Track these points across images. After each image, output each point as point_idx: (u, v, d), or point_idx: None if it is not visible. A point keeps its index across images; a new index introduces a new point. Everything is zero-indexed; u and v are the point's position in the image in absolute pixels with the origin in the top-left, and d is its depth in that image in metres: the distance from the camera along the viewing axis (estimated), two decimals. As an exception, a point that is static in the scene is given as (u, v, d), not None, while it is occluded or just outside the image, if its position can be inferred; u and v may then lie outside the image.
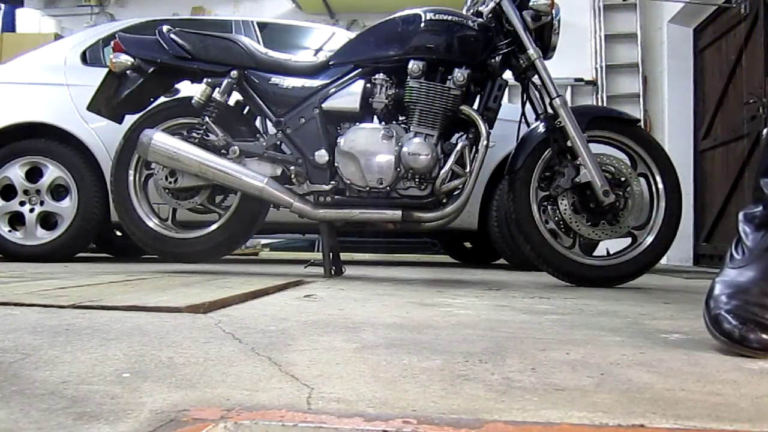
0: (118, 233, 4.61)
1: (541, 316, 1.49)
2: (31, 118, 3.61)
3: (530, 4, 2.51)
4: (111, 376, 0.79)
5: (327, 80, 2.64)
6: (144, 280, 2.14)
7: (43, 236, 3.51)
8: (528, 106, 2.63)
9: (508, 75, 2.62)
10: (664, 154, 2.62)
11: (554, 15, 2.55)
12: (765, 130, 4.05)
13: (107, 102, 2.80)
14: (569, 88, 6.39)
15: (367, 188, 2.54)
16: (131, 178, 2.82)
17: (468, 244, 5.17)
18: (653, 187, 2.59)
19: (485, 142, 2.47)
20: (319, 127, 2.60)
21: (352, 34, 3.28)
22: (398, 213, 2.50)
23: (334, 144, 2.57)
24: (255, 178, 2.59)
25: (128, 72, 2.75)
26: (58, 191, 3.59)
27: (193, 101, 2.71)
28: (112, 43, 2.87)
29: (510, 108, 3.14)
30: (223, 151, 2.68)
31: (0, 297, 1.46)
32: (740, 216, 1.16)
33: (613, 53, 6.56)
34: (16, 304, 1.37)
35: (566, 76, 6.21)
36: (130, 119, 2.88)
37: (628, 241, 2.60)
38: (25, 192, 3.54)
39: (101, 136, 3.51)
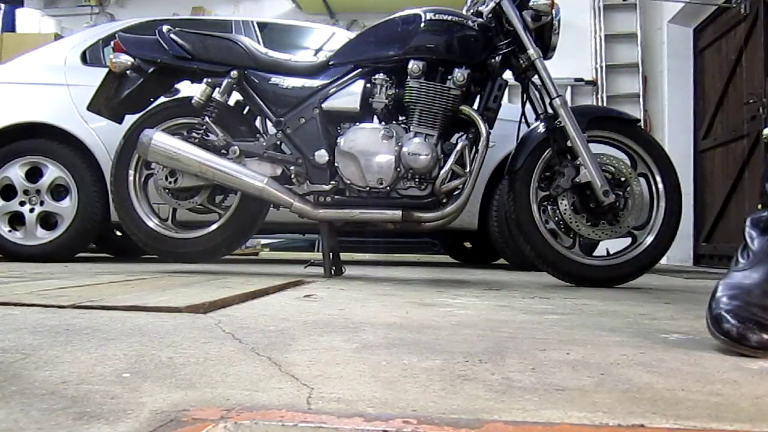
0: (118, 233, 4.61)
1: (541, 316, 1.49)
2: (31, 118, 3.61)
3: (530, 4, 2.51)
4: (111, 376, 0.79)
5: (327, 80, 2.64)
6: (144, 280, 2.14)
7: (43, 236, 3.51)
8: (528, 106, 2.63)
9: (508, 75, 2.62)
10: (664, 154, 2.62)
11: (554, 15, 2.55)
12: (766, 131, 4.04)
13: (107, 102, 2.80)
14: (569, 88, 6.39)
15: (367, 188, 2.54)
16: (131, 178, 2.82)
17: (468, 244, 5.17)
18: (653, 187, 2.59)
19: (485, 142, 2.47)
20: (319, 127, 2.60)
21: (352, 34, 3.28)
22: (398, 213, 2.50)
23: (334, 144, 2.57)
24: (255, 178, 2.59)
25: (128, 72, 2.75)
26: (58, 191, 3.59)
27: (193, 101, 2.71)
28: (112, 43, 2.87)
29: (510, 108, 3.14)
30: (223, 151, 2.68)
31: (0, 297, 1.46)
32: (747, 221, 1.16)
33: (613, 53, 6.56)
34: (16, 304, 1.37)
35: (566, 76, 6.21)
36: (130, 119, 2.88)
37: (628, 241, 2.60)
38: (25, 192, 3.54)
39: (101, 136, 3.52)
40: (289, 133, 2.63)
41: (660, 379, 0.84)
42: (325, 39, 4.09)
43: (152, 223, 2.81)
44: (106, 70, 2.81)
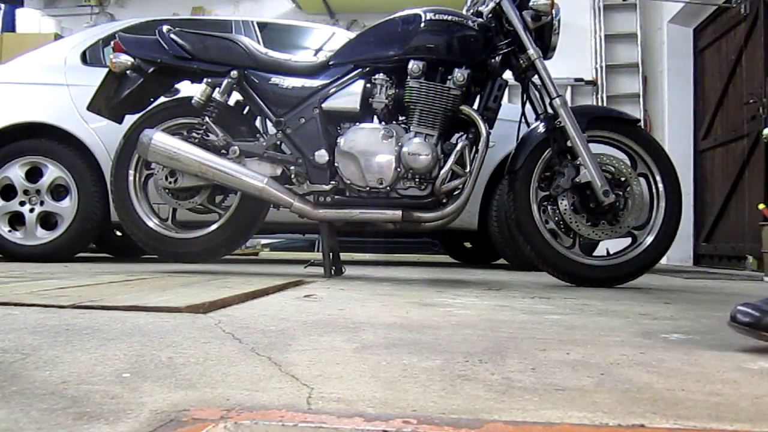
0: (118, 233, 4.61)
1: (541, 316, 1.49)
2: (31, 118, 3.61)
3: (530, 4, 2.51)
4: (111, 376, 0.79)
5: (327, 80, 2.64)
6: (144, 280, 2.14)
7: (43, 236, 3.51)
8: (528, 106, 2.63)
9: (508, 75, 2.62)
10: (664, 154, 2.62)
11: (554, 15, 2.55)
12: (766, 131, 4.03)
13: (107, 102, 2.80)
14: (569, 88, 6.39)
15: (367, 188, 2.54)
16: (131, 178, 2.82)
17: (468, 244, 5.17)
18: (653, 187, 2.59)
19: (485, 142, 2.47)
20: (319, 127, 2.60)
21: (352, 34, 3.28)
22: (398, 213, 2.50)
23: (334, 144, 2.57)
24: (255, 178, 2.59)
25: (128, 72, 2.75)
26: (58, 191, 3.58)
27: (193, 101, 2.71)
28: (112, 43, 2.87)
29: (510, 108, 3.14)
30: (223, 151, 2.68)
31: (0, 297, 1.46)
32: None
33: (613, 53, 6.56)
34: (16, 304, 1.37)
35: (566, 76, 6.21)
36: (130, 119, 2.88)
37: (628, 241, 2.60)
38: (25, 192, 3.54)
39: (101, 136, 3.51)
40: (289, 133, 2.63)
41: (660, 379, 0.84)
42: (325, 39, 4.09)
43: (152, 223, 2.81)
44: (106, 70, 2.80)
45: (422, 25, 2.52)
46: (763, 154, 4.62)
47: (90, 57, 3.87)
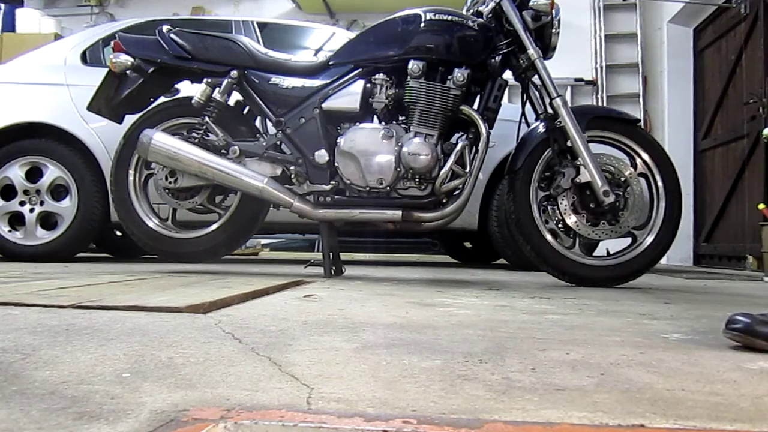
0: (118, 233, 4.61)
1: (541, 316, 1.49)
2: (31, 118, 3.61)
3: (530, 4, 2.51)
4: (111, 376, 0.79)
5: (327, 80, 2.64)
6: (144, 280, 2.14)
7: (43, 236, 3.51)
8: (528, 106, 2.63)
9: (508, 75, 2.62)
10: (664, 155, 2.62)
11: (554, 15, 2.55)
12: (766, 131, 4.03)
13: (107, 102, 2.80)
14: (569, 88, 6.39)
15: (367, 188, 2.54)
16: (131, 178, 2.82)
17: (468, 244, 5.17)
18: (653, 187, 2.59)
19: (485, 142, 2.47)
20: (319, 127, 2.60)
21: (352, 34, 3.28)
22: (398, 213, 2.50)
23: (334, 144, 2.57)
24: (255, 178, 2.59)
25: (128, 72, 2.75)
26: (58, 191, 3.58)
27: (193, 101, 2.71)
28: (112, 43, 2.87)
29: (510, 108, 3.14)
30: (223, 151, 2.68)
31: (0, 297, 1.46)
32: None
33: (613, 53, 6.56)
34: (16, 304, 1.37)
35: (566, 76, 6.21)
36: (130, 119, 2.88)
37: (628, 241, 2.60)
38: (25, 192, 3.54)
39: (101, 136, 3.51)
40: (289, 133, 2.63)
41: (660, 379, 0.84)
42: (325, 39, 4.09)
43: (152, 223, 2.81)
44: (106, 70, 2.80)
45: (422, 25, 2.52)
46: (763, 154, 4.62)
47: (90, 57, 3.87)
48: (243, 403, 0.69)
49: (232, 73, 2.68)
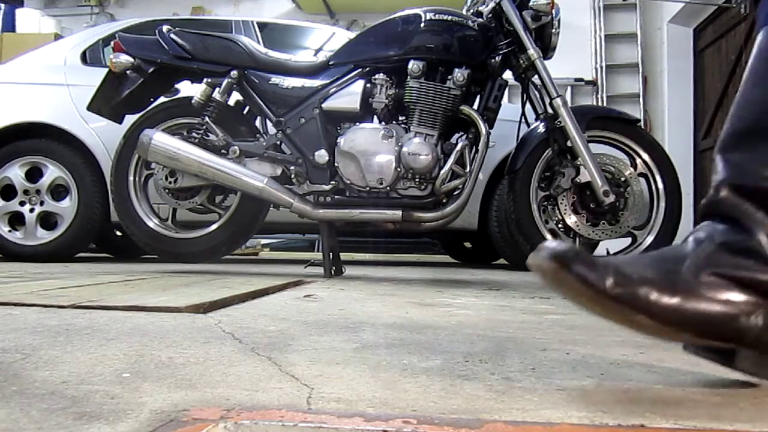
0: (118, 233, 4.61)
1: (541, 316, 1.49)
2: (31, 118, 3.61)
3: (530, 4, 2.51)
4: (111, 376, 0.79)
5: (327, 80, 2.64)
6: (144, 280, 2.14)
7: (43, 236, 3.52)
8: (528, 106, 2.63)
9: (508, 75, 2.62)
10: (664, 154, 2.62)
11: (554, 15, 2.55)
12: None
13: (107, 102, 2.81)
14: (569, 88, 6.40)
15: (367, 188, 2.54)
16: (131, 178, 2.82)
17: (468, 244, 5.17)
18: (653, 187, 2.59)
19: (485, 142, 2.47)
20: (319, 127, 2.60)
21: (352, 34, 3.28)
22: (398, 213, 2.50)
23: (334, 144, 2.57)
24: (255, 178, 2.59)
25: (128, 72, 2.75)
26: (58, 191, 3.59)
27: (193, 101, 2.71)
28: (112, 43, 2.87)
29: (510, 108, 3.14)
30: (223, 151, 2.68)
31: (0, 297, 1.46)
32: None
33: (613, 53, 6.56)
34: (16, 304, 1.37)
35: (566, 76, 6.22)
36: (130, 119, 2.88)
37: (628, 241, 2.60)
38: (25, 192, 3.54)
39: (101, 136, 3.52)
40: (289, 133, 2.63)
41: (660, 379, 0.84)
42: (325, 39, 4.10)
43: (152, 223, 2.81)
44: (106, 70, 2.81)
45: (422, 25, 2.53)
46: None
47: (90, 57, 3.88)
48: (243, 403, 0.69)
49: (232, 73, 2.68)
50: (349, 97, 2.59)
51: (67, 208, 3.52)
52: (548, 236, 2.55)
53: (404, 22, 2.57)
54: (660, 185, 2.57)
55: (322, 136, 2.60)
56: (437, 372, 0.86)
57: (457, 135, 2.60)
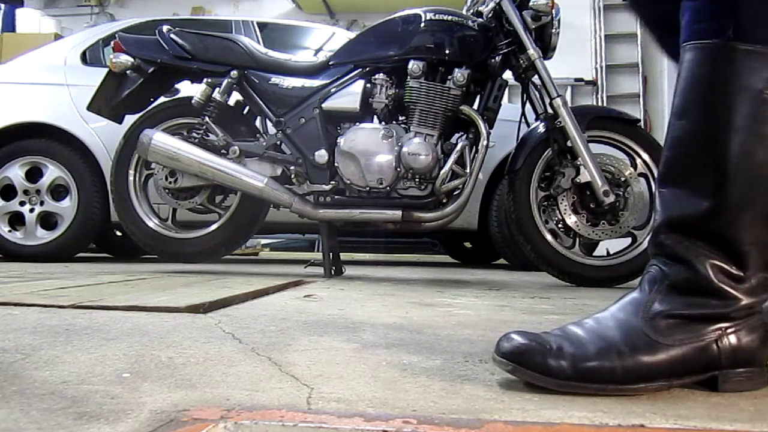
0: (118, 233, 4.61)
1: (541, 316, 1.49)
2: (31, 118, 3.61)
3: (530, 4, 2.51)
4: (111, 376, 0.79)
5: (327, 80, 2.64)
6: (144, 280, 2.14)
7: (43, 236, 3.51)
8: (528, 106, 2.63)
9: (508, 75, 2.61)
10: (664, 154, 2.62)
11: (554, 15, 2.55)
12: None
13: (107, 102, 2.80)
14: (569, 88, 6.39)
15: (367, 188, 2.54)
16: (131, 178, 2.82)
17: (468, 244, 5.17)
18: (653, 187, 2.58)
19: (485, 142, 2.47)
20: (319, 127, 2.60)
21: (352, 34, 3.28)
22: (398, 213, 2.50)
23: (334, 144, 2.57)
24: (255, 178, 2.59)
25: (128, 72, 2.75)
26: (58, 191, 3.58)
27: (193, 101, 2.71)
28: (112, 43, 2.87)
29: (510, 108, 3.14)
30: (223, 151, 2.68)
31: (0, 297, 1.46)
32: None
33: (613, 53, 6.56)
34: (16, 304, 1.37)
35: (566, 76, 6.21)
36: (130, 119, 2.88)
37: (628, 241, 2.60)
38: (25, 192, 3.54)
39: (101, 136, 3.51)
40: (289, 133, 2.63)
41: (660, 379, 0.84)
42: (325, 39, 4.09)
43: (152, 223, 2.81)
44: (106, 70, 2.81)
45: (422, 25, 2.52)
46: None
47: (90, 57, 3.87)
48: (243, 403, 0.69)
49: (232, 73, 2.68)
50: (349, 97, 2.59)
51: (67, 208, 3.52)
52: (548, 236, 2.55)
53: (404, 22, 2.57)
54: (660, 185, 2.57)
55: (322, 136, 2.60)
56: (437, 372, 0.86)
57: (457, 135, 2.60)
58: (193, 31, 2.82)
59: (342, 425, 0.62)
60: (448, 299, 1.84)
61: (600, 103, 6.31)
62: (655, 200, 0.85)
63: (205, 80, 2.72)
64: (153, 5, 7.36)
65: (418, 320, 1.35)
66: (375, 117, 2.61)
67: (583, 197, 2.51)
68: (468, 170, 2.49)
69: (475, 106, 2.56)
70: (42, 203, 3.53)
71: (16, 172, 3.54)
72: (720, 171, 0.77)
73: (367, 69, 2.60)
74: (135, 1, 8.16)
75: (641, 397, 0.75)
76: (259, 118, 2.83)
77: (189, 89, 2.86)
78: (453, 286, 2.36)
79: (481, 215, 3.67)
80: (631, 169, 2.57)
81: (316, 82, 2.65)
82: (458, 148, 2.48)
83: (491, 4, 2.55)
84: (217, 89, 2.70)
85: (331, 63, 2.68)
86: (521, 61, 2.54)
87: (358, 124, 2.59)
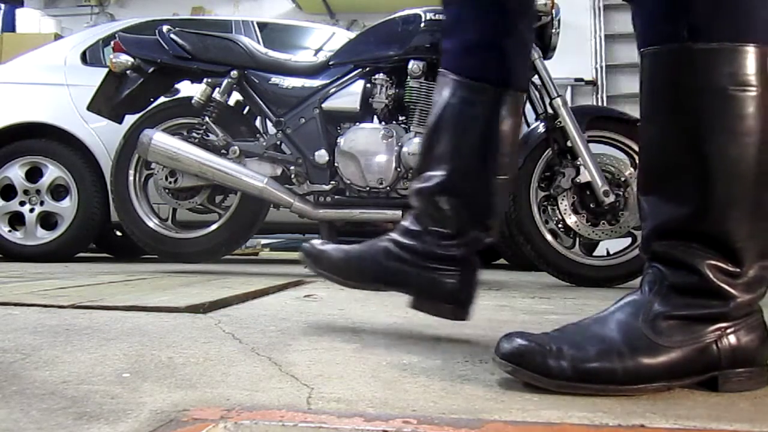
0: (118, 233, 4.60)
1: (541, 316, 1.49)
2: (31, 118, 3.61)
3: (530, 4, 2.50)
4: (111, 376, 0.79)
5: (327, 80, 2.64)
6: (144, 280, 2.14)
7: (43, 236, 3.51)
8: (528, 106, 2.63)
9: (508, 75, 2.61)
10: (664, 154, 2.62)
11: (554, 15, 2.55)
12: None
13: (107, 102, 2.80)
14: (569, 88, 6.39)
15: (367, 188, 2.54)
16: (131, 178, 2.82)
17: (468, 244, 5.16)
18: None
19: (485, 142, 2.47)
20: (319, 127, 2.61)
21: (352, 34, 3.28)
22: (398, 213, 2.50)
23: (334, 144, 2.57)
24: (255, 178, 2.59)
25: (128, 72, 2.75)
26: (58, 191, 3.58)
27: (193, 101, 2.71)
28: (112, 43, 2.87)
29: (510, 108, 3.13)
30: (223, 151, 2.68)
31: (0, 297, 1.46)
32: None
33: (613, 53, 6.56)
34: (16, 304, 1.37)
35: (566, 76, 6.20)
36: (130, 119, 2.88)
37: (628, 241, 2.60)
38: (25, 192, 3.54)
39: (101, 136, 3.51)
40: (289, 133, 2.63)
41: (660, 379, 0.84)
42: (325, 39, 4.09)
43: (152, 223, 2.81)
44: (106, 70, 2.81)
45: (422, 25, 2.52)
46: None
47: (90, 57, 3.87)
48: (243, 403, 0.69)
49: (232, 73, 2.68)
50: (349, 97, 2.59)
51: (67, 208, 3.52)
52: (548, 236, 2.55)
53: (404, 22, 2.57)
54: (660, 185, 2.57)
55: (322, 136, 2.60)
56: (437, 372, 0.86)
57: (457, 135, 2.59)
58: (193, 31, 2.82)
59: (342, 425, 0.62)
60: (448, 299, 1.83)
61: (600, 103, 6.31)
62: (640, 205, 0.85)
63: (205, 80, 2.72)
64: (153, 5, 7.35)
65: (418, 320, 1.35)
66: (375, 117, 2.61)
67: (583, 197, 2.51)
68: (468, 170, 2.48)
69: (475, 106, 2.55)
70: (42, 203, 3.53)
71: (16, 172, 3.54)
72: (698, 173, 0.77)
73: (367, 69, 2.60)
74: (135, 1, 8.15)
75: (641, 397, 0.75)
76: (259, 118, 2.84)
77: (189, 89, 2.86)
78: (453, 286, 2.35)
79: (481, 215, 3.67)
80: (631, 169, 2.57)
81: (316, 82, 2.65)
82: (458, 148, 2.48)
83: (491, 4, 2.55)
84: (217, 89, 2.70)
85: (331, 63, 2.68)
86: (521, 61, 2.53)
87: (358, 124, 2.59)
